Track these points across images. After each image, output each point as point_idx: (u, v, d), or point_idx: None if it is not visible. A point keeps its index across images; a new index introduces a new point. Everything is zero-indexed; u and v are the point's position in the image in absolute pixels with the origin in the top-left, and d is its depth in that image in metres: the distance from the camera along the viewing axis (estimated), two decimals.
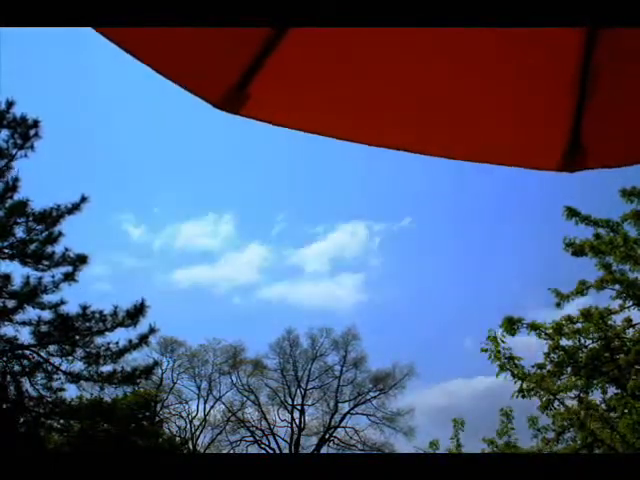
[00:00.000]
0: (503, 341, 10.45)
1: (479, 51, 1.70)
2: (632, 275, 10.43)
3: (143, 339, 15.75)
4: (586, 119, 1.75)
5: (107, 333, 15.48)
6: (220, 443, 34.39)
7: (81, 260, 15.51)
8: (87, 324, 15.32)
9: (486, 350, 10.45)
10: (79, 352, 15.28)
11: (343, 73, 1.76)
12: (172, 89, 1.58)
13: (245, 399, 35.70)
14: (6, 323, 14.87)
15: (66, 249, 15.44)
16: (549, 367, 10.71)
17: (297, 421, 35.36)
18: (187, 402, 35.14)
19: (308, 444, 35.05)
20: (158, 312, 18.00)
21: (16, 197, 15.03)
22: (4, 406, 15.16)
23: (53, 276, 15.21)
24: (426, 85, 1.80)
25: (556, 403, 10.43)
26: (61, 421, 15.79)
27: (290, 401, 35.88)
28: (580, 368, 10.33)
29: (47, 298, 15.11)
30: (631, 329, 10.77)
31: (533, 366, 10.75)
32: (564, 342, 10.70)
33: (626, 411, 9.56)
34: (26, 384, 15.24)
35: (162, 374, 32.97)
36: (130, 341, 15.65)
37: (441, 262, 46.04)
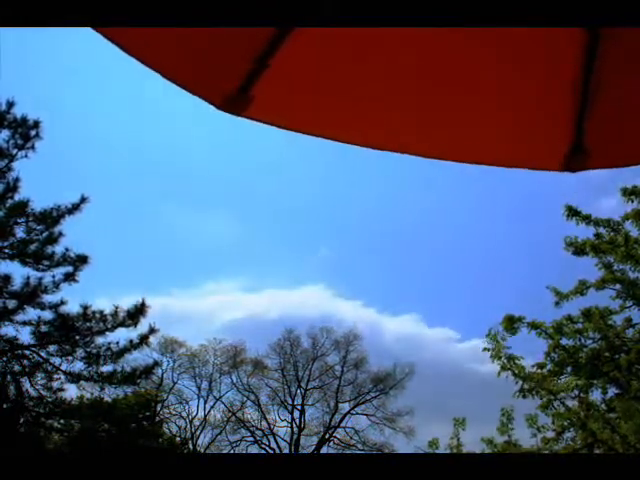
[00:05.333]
0: (505, 339, 10.47)
1: (481, 51, 1.70)
2: (632, 275, 10.43)
3: (143, 339, 15.74)
4: (588, 119, 1.75)
5: (107, 333, 15.48)
6: (220, 443, 34.41)
7: (81, 260, 15.51)
8: (87, 324, 15.31)
9: (488, 349, 10.46)
10: (79, 352, 15.27)
11: (346, 74, 1.75)
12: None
13: (245, 399, 35.73)
14: (6, 323, 14.87)
15: (66, 249, 15.45)
16: (549, 367, 10.71)
17: (297, 421, 35.38)
18: (187, 402, 35.17)
19: (308, 444, 35.09)
20: None
21: (16, 197, 15.06)
22: (4, 406, 15.15)
23: (53, 276, 15.22)
24: (428, 86, 1.80)
25: (556, 403, 10.43)
26: (61, 421, 15.78)
27: (290, 401, 35.90)
28: (580, 368, 10.33)
29: (47, 298, 15.12)
30: (631, 329, 10.76)
31: (533, 366, 10.76)
32: (564, 342, 10.70)
33: (628, 414, 9.54)
34: (26, 384, 15.25)
35: (162, 374, 32.99)
36: (130, 341, 15.64)
37: None
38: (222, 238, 45.61)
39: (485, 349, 10.51)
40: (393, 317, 49.73)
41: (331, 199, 46.98)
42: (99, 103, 41.63)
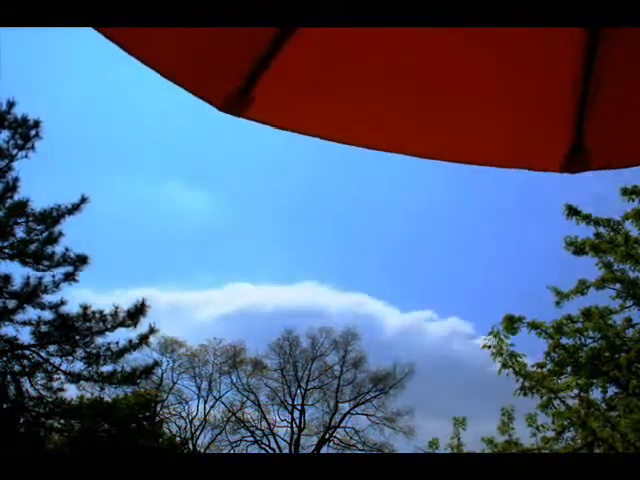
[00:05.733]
0: (507, 337, 10.48)
1: (481, 51, 1.69)
2: (633, 274, 10.44)
3: (143, 339, 15.75)
4: (588, 119, 1.75)
5: (107, 333, 15.49)
6: (220, 443, 34.41)
7: (81, 260, 15.51)
8: (87, 324, 15.32)
9: (489, 347, 10.47)
10: (79, 352, 15.27)
11: (347, 75, 1.75)
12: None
13: (245, 399, 35.74)
14: (6, 323, 14.87)
15: (66, 249, 15.45)
16: (549, 366, 10.72)
17: (297, 421, 35.38)
18: (187, 402, 35.18)
19: (308, 444, 35.09)
20: None
21: (16, 197, 15.06)
22: (4, 406, 15.15)
23: (53, 276, 15.22)
24: (428, 86, 1.79)
25: (556, 402, 10.44)
26: (61, 421, 15.79)
27: (290, 401, 35.90)
28: (580, 367, 10.33)
29: (47, 298, 15.13)
30: (631, 329, 10.77)
31: (533, 365, 10.77)
32: (564, 341, 10.71)
33: (627, 410, 9.56)
34: (26, 384, 15.25)
35: (162, 374, 33.00)
36: (130, 341, 15.65)
37: None
38: (214, 229, 45.84)
39: (485, 346, 10.52)
40: (402, 312, 49.87)
41: (338, 197, 47.00)
42: (95, 97, 41.74)
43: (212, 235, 46.63)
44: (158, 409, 29.64)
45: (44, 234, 15.33)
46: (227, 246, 46.80)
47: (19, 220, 15.14)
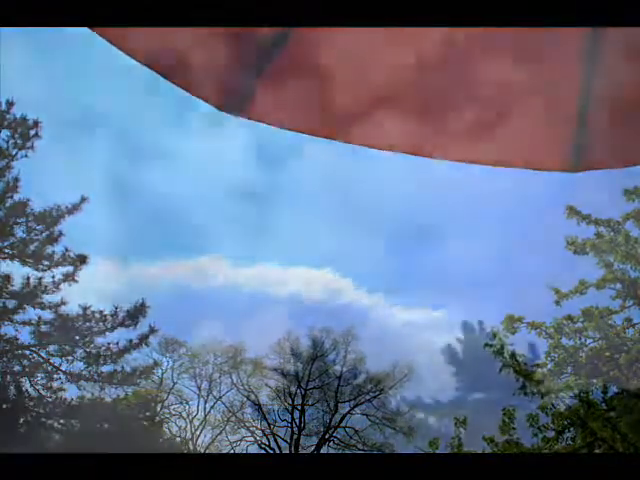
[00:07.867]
0: (506, 337, 10.51)
1: (480, 51, 1.69)
2: (633, 274, 10.45)
3: (143, 339, 15.77)
4: (589, 119, 1.75)
5: (107, 333, 15.50)
6: (220, 443, 34.42)
7: (81, 260, 15.53)
8: (87, 324, 15.33)
9: (490, 345, 10.49)
10: (79, 352, 15.29)
11: (347, 74, 1.75)
12: None
13: (245, 399, 35.75)
14: (6, 323, 14.88)
15: (66, 249, 15.46)
16: (550, 366, 10.73)
17: (297, 421, 35.39)
18: (187, 402, 35.18)
19: (308, 444, 35.08)
20: None
21: (16, 197, 15.07)
22: (4, 406, 15.16)
23: (53, 276, 15.23)
24: (427, 86, 1.80)
25: (557, 402, 10.46)
26: (61, 421, 15.80)
27: (290, 401, 35.91)
28: (580, 367, 10.34)
29: (47, 298, 15.13)
30: (631, 329, 10.78)
31: (533, 365, 10.78)
32: (564, 341, 10.72)
33: (627, 411, 9.57)
34: (26, 384, 15.26)
35: (162, 374, 33.00)
36: (130, 341, 15.66)
37: None
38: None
39: (487, 345, 10.54)
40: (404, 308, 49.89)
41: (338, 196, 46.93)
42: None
43: None
44: (158, 409, 29.64)
45: (44, 234, 15.34)
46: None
47: (19, 220, 15.16)
